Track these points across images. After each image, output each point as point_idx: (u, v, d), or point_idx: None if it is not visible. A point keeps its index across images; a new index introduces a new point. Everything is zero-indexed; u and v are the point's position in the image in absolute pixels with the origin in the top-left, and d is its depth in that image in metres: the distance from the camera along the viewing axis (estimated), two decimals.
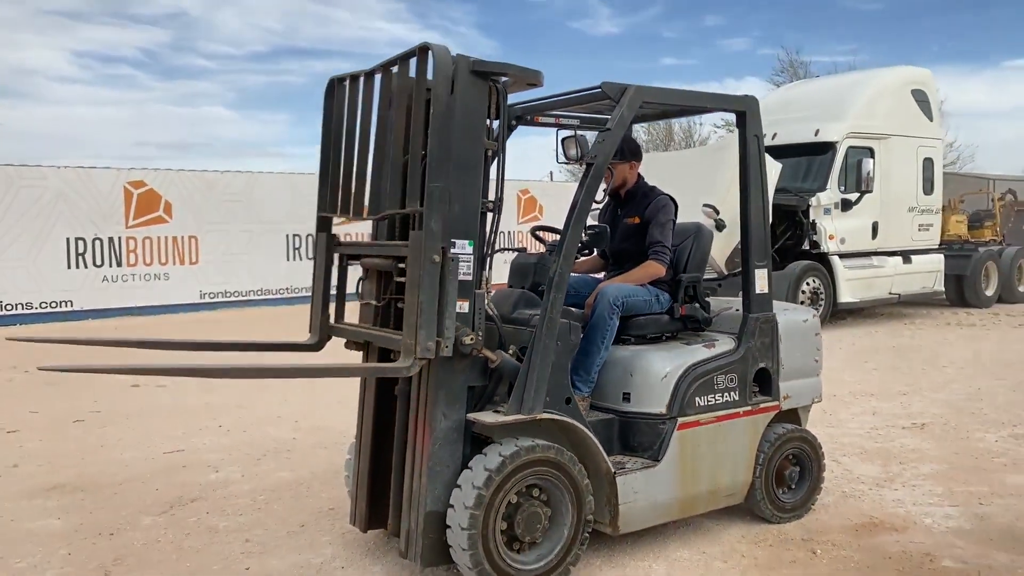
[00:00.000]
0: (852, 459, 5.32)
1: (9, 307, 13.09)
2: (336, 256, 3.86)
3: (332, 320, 3.88)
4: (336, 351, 3.87)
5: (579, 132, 3.92)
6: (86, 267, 13.81)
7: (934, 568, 3.67)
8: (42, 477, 5.09)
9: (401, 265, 3.41)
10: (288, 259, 15.67)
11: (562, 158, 3.87)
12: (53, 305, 13.45)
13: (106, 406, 7.08)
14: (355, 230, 12.32)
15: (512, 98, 4.35)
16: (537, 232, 4.47)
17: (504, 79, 3.36)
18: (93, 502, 4.61)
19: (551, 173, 30.30)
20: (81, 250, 13.77)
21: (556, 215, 17.87)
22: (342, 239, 3.93)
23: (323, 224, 3.86)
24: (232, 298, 15.07)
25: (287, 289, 15.48)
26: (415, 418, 3.44)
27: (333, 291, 3.88)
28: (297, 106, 54.16)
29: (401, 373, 3.25)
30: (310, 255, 15.58)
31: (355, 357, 3.85)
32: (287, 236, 15.68)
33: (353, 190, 3.61)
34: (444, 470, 3.36)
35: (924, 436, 5.89)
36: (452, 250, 3.23)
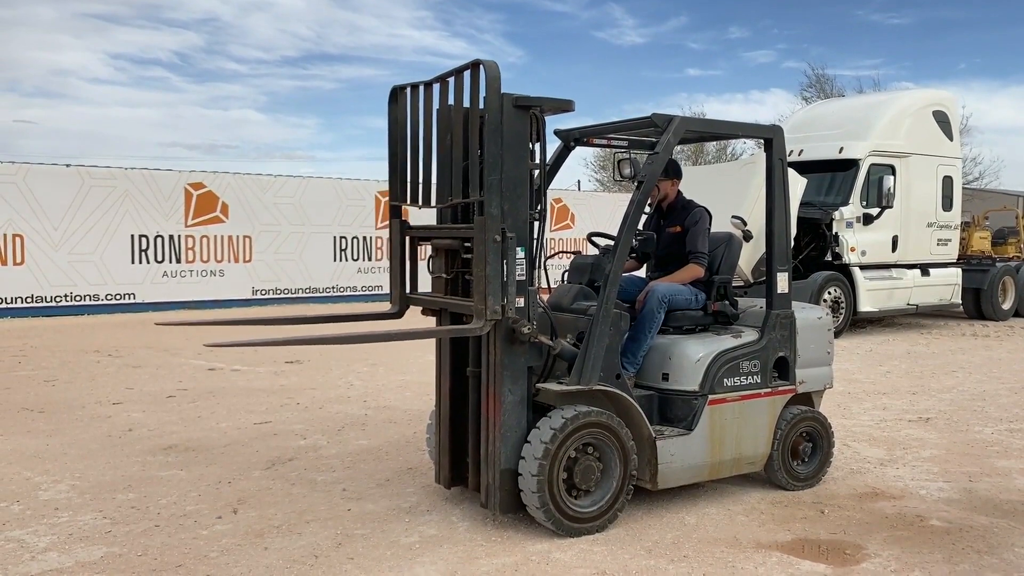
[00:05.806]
0: (861, 444, 6.00)
1: (78, 298, 14.07)
2: (407, 238, 4.56)
3: (408, 291, 4.58)
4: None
5: (633, 154, 4.64)
6: (148, 263, 14.79)
7: (923, 526, 4.36)
8: (155, 439, 5.91)
9: (467, 244, 4.11)
10: (335, 260, 16.52)
11: (618, 176, 4.62)
12: (118, 297, 14.44)
13: (190, 385, 7.93)
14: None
15: (572, 123, 5.09)
16: (593, 238, 5.21)
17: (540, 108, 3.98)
18: (206, 459, 5.42)
19: (578, 182, 31.13)
20: (144, 246, 14.75)
21: (587, 221, 18.69)
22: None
23: (395, 211, 4.57)
24: (282, 295, 15.97)
25: (333, 288, 16.33)
26: (487, 394, 4.14)
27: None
28: (325, 111, 55.38)
29: (475, 332, 3.95)
30: (355, 257, 16.56)
31: (430, 321, 4.57)
32: (335, 238, 16.55)
33: (420, 183, 4.35)
34: (513, 435, 4.08)
35: (928, 428, 6.56)
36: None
